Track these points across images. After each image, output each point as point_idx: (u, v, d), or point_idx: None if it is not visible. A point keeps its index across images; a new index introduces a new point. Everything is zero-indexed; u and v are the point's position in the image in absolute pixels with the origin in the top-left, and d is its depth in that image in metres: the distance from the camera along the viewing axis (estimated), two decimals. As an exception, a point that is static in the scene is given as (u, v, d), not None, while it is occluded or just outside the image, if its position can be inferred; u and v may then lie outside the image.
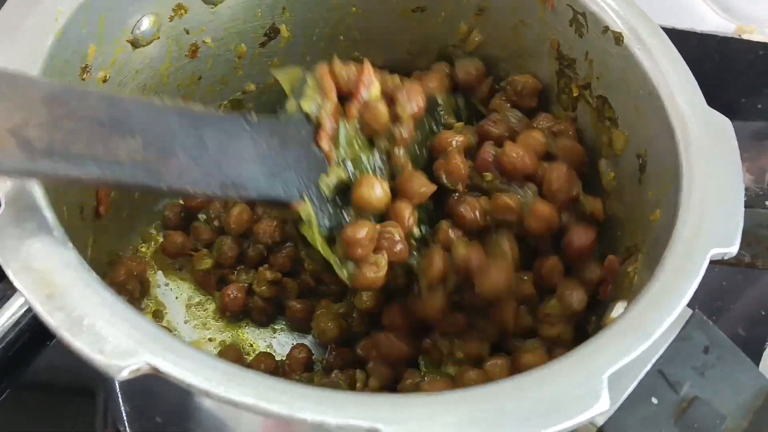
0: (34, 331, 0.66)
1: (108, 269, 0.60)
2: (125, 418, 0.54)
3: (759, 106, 0.93)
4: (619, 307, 0.45)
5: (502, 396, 0.35)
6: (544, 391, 0.36)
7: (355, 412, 0.33)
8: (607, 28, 0.53)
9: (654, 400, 0.40)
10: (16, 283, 0.35)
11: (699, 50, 0.90)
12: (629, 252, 0.50)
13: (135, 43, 0.54)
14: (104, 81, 0.53)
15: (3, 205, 0.37)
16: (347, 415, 0.33)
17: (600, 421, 0.39)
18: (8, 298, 0.64)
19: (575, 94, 0.57)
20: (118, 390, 0.52)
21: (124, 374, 0.33)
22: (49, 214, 0.38)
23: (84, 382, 0.68)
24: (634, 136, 0.52)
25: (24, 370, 0.66)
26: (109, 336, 0.34)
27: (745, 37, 0.94)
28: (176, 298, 0.63)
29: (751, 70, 0.93)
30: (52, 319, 0.34)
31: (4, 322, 0.64)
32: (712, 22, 0.95)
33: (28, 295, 0.35)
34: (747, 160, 0.91)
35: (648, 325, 0.38)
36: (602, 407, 0.35)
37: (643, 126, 0.51)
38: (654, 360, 0.41)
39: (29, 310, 0.64)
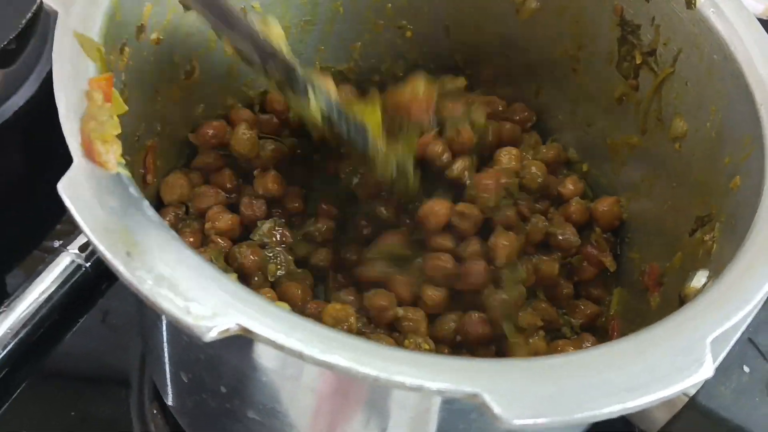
0: (55, 319, 0.65)
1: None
2: (177, 392, 0.52)
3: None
4: (700, 276, 0.43)
5: (602, 363, 0.34)
6: (644, 359, 0.34)
7: (454, 376, 0.32)
8: (677, -9, 0.51)
9: (746, 369, 0.39)
10: (95, 241, 0.33)
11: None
12: (701, 222, 0.49)
13: (187, 5, 0.52)
14: (156, 43, 0.51)
15: (75, 161, 0.35)
16: (447, 379, 0.32)
17: (692, 390, 0.38)
18: (29, 285, 0.63)
19: (638, 62, 0.56)
20: (168, 362, 0.51)
21: (213, 334, 0.31)
22: (123, 170, 0.36)
23: (105, 369, 0.67)
24: (705, 103, 0.50)
25: (46, 357, 0.65)
26: (196, 296, 0.32)
27: (773, 18, 0.93)
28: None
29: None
30: (134, 278, 0.32)
31: (23, 310, 0.63)
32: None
33: (107, 254, 0.33)
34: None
35: (746, 291, 0.37)
36: (706, 373, 0.34)
37: (716, 91, 0.49)
38: (743, 327, 0.40)
39: (51, 296, 0.63)
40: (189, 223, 0.59)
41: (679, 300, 0.45)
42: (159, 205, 0.60)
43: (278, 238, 0.60)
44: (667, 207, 0.55)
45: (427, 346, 0.53)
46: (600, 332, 0.60)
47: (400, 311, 0.56)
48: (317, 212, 0.66)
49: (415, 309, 0.57)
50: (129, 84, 0.48)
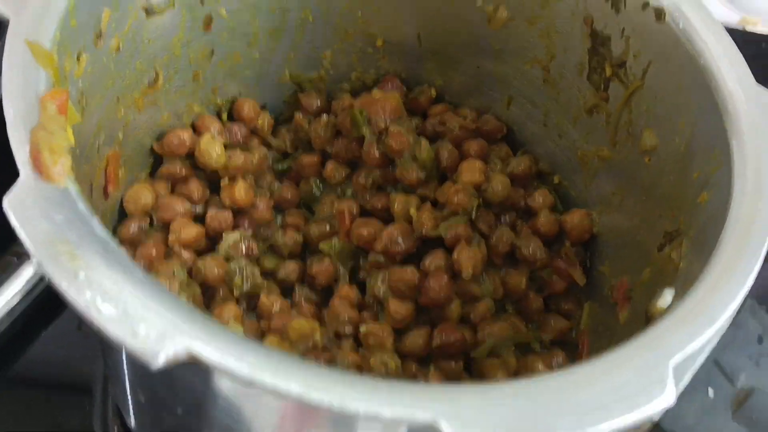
0: (22, 324, 0.63)
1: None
2: (137, 410, 0.51)
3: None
4: (666, 295, 0.43)
5: (561, 387, 0.33)
6: (604, 383, 0.33)
7: (412, 402, 0.31)
8: (647, 4, 0.50)
9: (710, 391, 0.38)
10: (39, 259, 0.32)
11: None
12: (670, 237, 0.48)
13: (149, 11, 0.51)
14: (117, 50, 0.49)
15: (22, 174, 0.34)
16: (404, 406, 0.31)
17: (657, 416, 0.37)
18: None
19: (609, 74, 0.55)
20: (127, 380, 0.49)
21: (161, 360, 0.30)
22: (71, 185, 0.35)
23: (76, 377, 0.65)
24: (675, 116, 0.50)
25: (12, 364, 0.63)
26: (143, 317, 0.31)
27: (749, 28, 0.93)
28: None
29: (754, 62, 0.92)
30: (78, 298, 0.31)
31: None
32: (715, 12, 0.93)
33: (51, 272, 0.32)
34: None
35: (711, 310, 0.36)
36: (668, 400, 0.33)
37: (686, 105, 0.49)
38: (708, 350, 0.39)
39: (23, 300, 0.62)
40: (152, 235, 0.58)
41: (646, 318, 0.44)
42: (123, 216, 0.59)
43: (244, 251, 0.59)
44: (638, 221, 0.54)
45: (393, 363, 0.52)
46: (570, 347, 0.59)
47: (365, 327, 0.55)
48: (285, 224, 0.65)
49: (381, 324, 0.56)
50: (87, 92, 0.47)
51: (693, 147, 0.48)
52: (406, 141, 0.60)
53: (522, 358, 0.57)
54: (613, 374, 0.34)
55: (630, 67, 0.53)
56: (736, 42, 0.86)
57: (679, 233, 0.47)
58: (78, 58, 0.44)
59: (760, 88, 0.46)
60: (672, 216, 0.49)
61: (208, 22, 0.57)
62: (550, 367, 0.56)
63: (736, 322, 0.40)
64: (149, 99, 0.57)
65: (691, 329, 0.35)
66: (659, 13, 0.50)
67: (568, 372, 0.34)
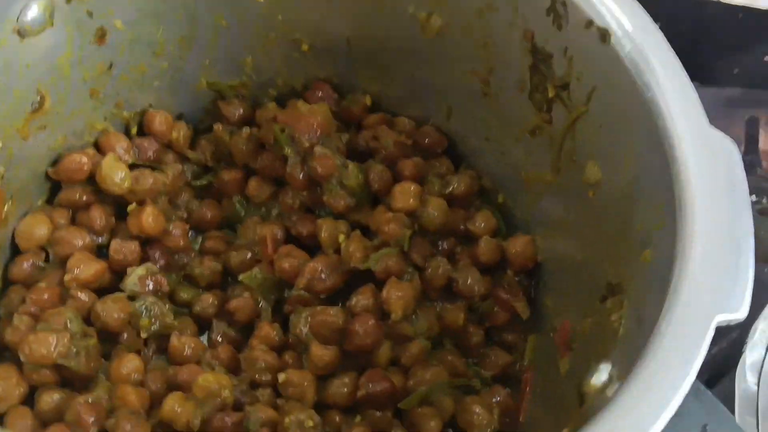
0: None
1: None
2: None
3: (735, 71, 0.86)
4: (602, 371, 0.38)
5: None
6: None
7: None
8: (591, 22, 0.44)
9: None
10: None
11: (674, 11, 0.83)
12: (612, 290, 0.43)
13: (22, 33, 0.45)
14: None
15: None
16: None
17: None
18: None
19: (551, 95, 0.49)
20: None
21: None
22: None
23: None
24: (619, 150, 0.44)
25: None
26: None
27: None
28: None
29: (729, 35, 0.86)
30: None
31: None
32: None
33: None
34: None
35: (650, 406, 0.32)
36: None
37: (631, 141, 0.43)
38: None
39: None
40: (48, 273, 0.52)
41: (579, 396, 0.39)
42: (15, 252, 0.53)
43: (152, 288, 0.53)
44: (581, 259, 0.49)
45: (311, 423, 0.48)
46: (512, 382, 0.55)
47: (284, 376, 0.50)
48: (203, 249, 0.59)
49: (302, 372, 0.51)
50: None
51: (635, 192, 0.43)
52: (333, 165, 0.54)
53: (460, 399, 0.52)
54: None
55: (574, 90, 0.47)
56: (710, 14, 0.82)
57: (621, 289, 0.42)
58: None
59: (713, 131, 0.40)
60: (614, 265, 0.44)
61: (101, 36, 0.50)
62: (489, 407, 0.52)
63: (677, 410, 0.35)
64: (36, 124, 0.51)
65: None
66: (604, 35, 0.44)
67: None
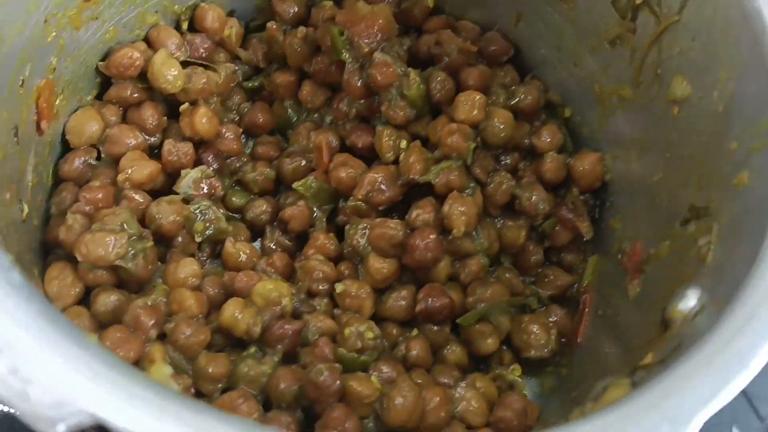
0: None
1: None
2: None
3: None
4: (690, 297, 0.36)
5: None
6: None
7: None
8: None
9: (735, 430, 0.32)
10: None
11: None
12: (696, 213, 0.41)
13: None
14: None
15: None
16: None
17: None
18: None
19: (638, 1, 0.46)
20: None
21: (60, 430, 0.24)
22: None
23: None
24: (714, 66, 0.41)
25: None
26: (37, 378, 0.24)
27: None
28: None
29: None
30: (-45, 346, 0.25)
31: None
32: None
33: None
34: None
35: (748, 343, 0.30)
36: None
37: (730, 56, 0.40)
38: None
39: None
40: (100, 171, 0.51)
41: (662, 320, 0.38)
42: (65, 150, 0.51)
43: (206, 191, 0.52)
44: (658, 180, 0.47)
45: (371, 335, 0.47)
46: (570, 304, 0.53)
47: (341, 286, 0.49)
48: (255, 154, 0.57)
49: (360, 283, 0.49)
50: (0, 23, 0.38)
51: (733, 109, 0.40)
52: (393, 73, 0.51)
53: (517, 318, 0.51)
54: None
55: (666, -1, 0.44)
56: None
57: (708, 213, 0.40)
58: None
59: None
60: (700, 188, 0.41)
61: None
62: (547, 328, 0.51)
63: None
64: (89, 14, 0.48)
65: (716, 380, 0.29)
66: (709, -64, 0.40)
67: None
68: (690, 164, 0.43)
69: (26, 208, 0.45)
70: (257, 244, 0.54)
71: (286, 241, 0.54)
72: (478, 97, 0.52)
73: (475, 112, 0.52)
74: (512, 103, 0.54)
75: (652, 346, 0.37)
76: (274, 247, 0.53)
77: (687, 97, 0.44)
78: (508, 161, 0.54)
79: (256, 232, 0.55)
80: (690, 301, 0.36)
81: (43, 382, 0.24)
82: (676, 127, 0.45)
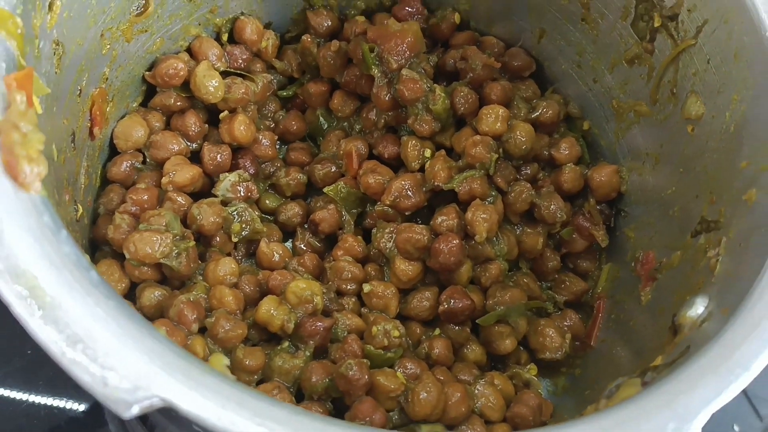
0: None
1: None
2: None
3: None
4: (698, 304, 0.39)
5: None
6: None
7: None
8: (711, -48, 0.43)
9: (736, 429, 0.35)
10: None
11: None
12: (707, 226, 0.44)
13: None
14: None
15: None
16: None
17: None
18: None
19: (656, 24, 0.48)
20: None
21: (134, 411, 0.27)
22: (43, 192, 0.31)
23: None
24: (727, 88, 0.44)
25: None
26: (114, 364, 0.28)
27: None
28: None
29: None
30: (42, 336, 0.28)
31: None
32: None
33: (13, 306, 0.28)
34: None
35: (752, 348, 0.33)
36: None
37: (742, 79, 0.43)
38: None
39: None
40: (145, 175, 0.54)
41: (672, 325, 0.41)
42: (113, 154, 0.54)
43: (243, 194, 0.55)
44: (672, 192, 0.49)
45: (396, 333, 0.50)
46: (585, 309, 0.56)
47: (368, 287, 0.52)
48: (288, 160, 0.60)
49: (386, 284, 0.52)
50: (64, 39, 0.41)
51: (744, 130, 0.42)
52: (419, 89, 0.54)
53: (534, 321, 0.54)
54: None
55: (682, 21, 0.47)
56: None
57: (718, 226, 0.43)
58: (50, 7, 0.39)
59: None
60: (711, 202, 0.44)
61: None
62: (562, 331, 0.54)
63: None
64: (139, 27, 0.51)
65: (724, 378, 0.32)
66: (725, -34, 0.43)
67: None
68: (702, 179, 0.46)
69: (80, 209, 0.48)
70: (288, 244, 0.58)
71: (316, 242, 0.57)
72: (501, 111, 0.55)
73: (498, 125, 0.55)
74: (533, 116, 0.57)
75: (662, 349, 0.40)
76: (304, 247, 0.57)
77: (701, 116, 0.47)
78: (528, 171, 0.57)
79: (287, 233, 0.58)
80: (699, 308, 0.39)
81: (121, 370, 0.28)
82: (690, 143, 0.48)
